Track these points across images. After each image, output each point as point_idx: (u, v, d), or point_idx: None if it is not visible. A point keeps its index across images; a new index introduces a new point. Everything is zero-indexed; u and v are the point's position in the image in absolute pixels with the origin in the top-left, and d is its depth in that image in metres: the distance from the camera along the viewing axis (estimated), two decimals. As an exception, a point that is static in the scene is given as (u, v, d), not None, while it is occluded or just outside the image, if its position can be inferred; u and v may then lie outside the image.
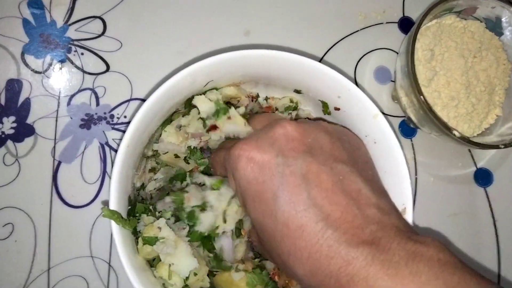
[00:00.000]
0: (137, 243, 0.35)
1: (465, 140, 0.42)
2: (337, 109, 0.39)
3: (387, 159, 0.36)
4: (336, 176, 0.29)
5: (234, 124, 0.37)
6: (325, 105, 0.40)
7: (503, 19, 0.47)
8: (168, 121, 0.39)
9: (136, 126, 0.34)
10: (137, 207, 0.35)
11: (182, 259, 0.33)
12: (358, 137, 0.38)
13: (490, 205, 0.49)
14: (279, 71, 0.38)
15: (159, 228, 0.33)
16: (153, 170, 0.41)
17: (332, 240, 0.26)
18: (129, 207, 0.36)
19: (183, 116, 0.39)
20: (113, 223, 0.32)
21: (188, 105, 0.39)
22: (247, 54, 0.35)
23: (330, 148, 0.31)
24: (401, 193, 0.35)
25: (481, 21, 0.47)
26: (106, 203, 0.43)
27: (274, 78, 0.39)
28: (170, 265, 0.33)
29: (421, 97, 0.42)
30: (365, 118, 0.37)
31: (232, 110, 0.38)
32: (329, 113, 0.40)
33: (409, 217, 0.34)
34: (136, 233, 0.35)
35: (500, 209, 0.49)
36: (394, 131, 0.36)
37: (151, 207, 0.36)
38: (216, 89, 0.39)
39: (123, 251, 0.32)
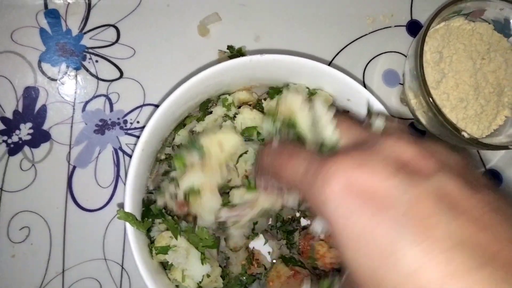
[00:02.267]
0: (150, 249, 0.35)
1: (474, 142, 0.42)
2: (346, 112, 0.40)
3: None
4: (482, 203, 0.20)
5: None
6: (334, 108, 0.40)
7: (512, 21, 0.47)
8: (181, 125, 0.40)
9: (150, 131, 0.34)
10: (153, 208, 0.36)
11: (195, 266, 0.34)
12: None
13: (501, 207, 0.49)
14: (289, 75, 0.38)
15: (171, 237, 0.34)
16: (166, 173, 0.41)
17: None
18: (143, 209, 0.36)
19: (197, 120, 0.39)
20: (128, 225, 0.33)
21: (203, 109, 0.40)
22: (257, 59, 0.36)
23: (465, 171, 0.22)
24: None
25: (489, 23, 0.48)
26: (120, 206, 0.44)
27: (285, 82, 0.39)
28: (183, 270, 0.34)
29: (430, 99, 0.42)
30: (375, 120, 0.37)
31: None
32: (338, 116, 0.41)
33: None
34: (150, 237, 0.35)
35: None
36: (404, 133, 0.36)
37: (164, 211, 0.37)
38: (229, 94, 0.40)
39: (138, 253, 0.32)
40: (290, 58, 0.36)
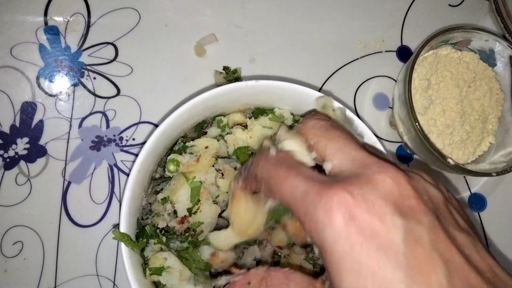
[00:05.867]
0: (144, 268, 0.36)
1: (459, 168, 0.44)
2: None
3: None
4: (463, 249, 0.23)
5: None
6: (326, 133, 0.42)
7: (496, 51, 0.49)
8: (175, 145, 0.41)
9: (147, 153, 0.35)
10: (148, 228, 0.37)
11: (187, 287, 0.34)
12: None
13: (483, 230, 0.51)
14: (281, 99, 0.40)
15: (165, 258, 0.35)
16: (156, 193, 0.42)
17: None
18: (137, 230, 0.37)
19: (192, 140, 0.40)
20: (122, 245, 0.34)
21: (199, 130, 0.41)
22: (252, 84, 0.37)
23: (445, 208, 0.25)
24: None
25: (475, 53, 0.50)
26: (115, 225, 0.45)
27: (277, 106, 0.41)
28: None
29: (417, 124, 0.44)
30: (364, 146, 0.39)
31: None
32: (329, 140, 0.42)
33: None
34: (143, 257, 0.36)
35: (493, 233, 0.51)
36: (390, 158, 0.38)
37: (158, 231, 0.37)
38: (224, 115, 0.41)
39: (132, 273, 0.33)
40: (283, 84, 0.38)
